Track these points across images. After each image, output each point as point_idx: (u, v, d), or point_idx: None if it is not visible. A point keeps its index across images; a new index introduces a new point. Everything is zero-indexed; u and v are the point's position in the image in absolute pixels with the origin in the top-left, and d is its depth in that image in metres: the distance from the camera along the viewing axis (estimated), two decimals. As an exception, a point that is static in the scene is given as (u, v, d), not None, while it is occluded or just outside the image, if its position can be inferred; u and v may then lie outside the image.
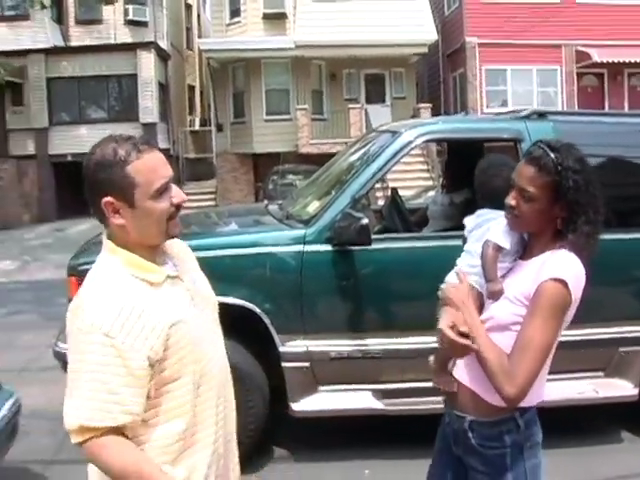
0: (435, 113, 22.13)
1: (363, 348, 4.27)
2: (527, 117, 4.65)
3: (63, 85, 21.99)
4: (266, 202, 6.71)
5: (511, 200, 2.13)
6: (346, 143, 20.25)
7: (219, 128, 23.09)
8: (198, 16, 31.26)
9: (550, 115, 4.74)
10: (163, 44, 23.08)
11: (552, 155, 2.10)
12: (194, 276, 2.00)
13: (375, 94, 23.35)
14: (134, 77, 21.92)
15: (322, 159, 19.00)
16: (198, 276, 2.04)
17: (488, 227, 2.32)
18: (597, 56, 21.83)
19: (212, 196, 22.86)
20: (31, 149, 21.76)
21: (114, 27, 22.61)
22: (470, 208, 2.63)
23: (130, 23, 22.66)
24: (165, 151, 22.49)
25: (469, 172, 4.75)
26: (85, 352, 1.72)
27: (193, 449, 1.86)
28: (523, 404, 2.12)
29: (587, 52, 22.13)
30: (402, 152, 4.49)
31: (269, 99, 22.33)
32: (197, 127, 28.42)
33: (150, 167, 1.80)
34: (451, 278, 2.36)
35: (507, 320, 2.12)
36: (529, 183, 2.09)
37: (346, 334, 4.30)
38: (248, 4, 22.06)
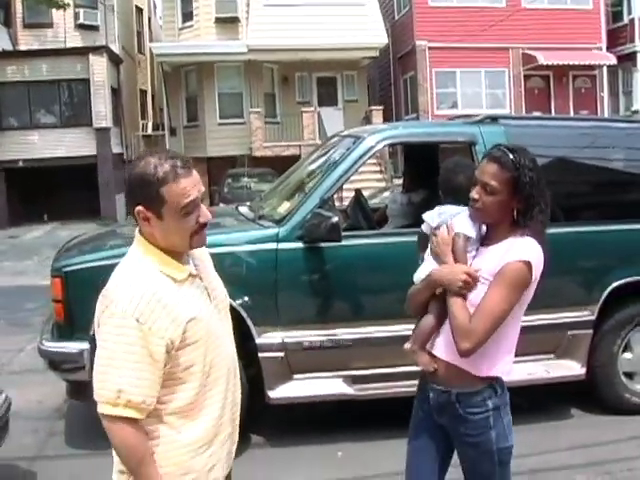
0: (386, 115, 22.58)
1: (334, 338, 4.57)
2: (480, 121, 5.02)
3: (12, 90, 21.62)
4: (222, 205, 6.95)
5: (475, 194, 2.47)
6: (300, 146, 20.60)
7: (172, 132, 23.15)
8: (149, 20, 31.13)
9: (502, 119, 5.12)
10: (115, 48, 22.95)
11: (511, 155, 2.45)
12: (211, 276, 2.21)
13: (327, 97, 23.72)
14: (86, 81, 21.68)
15: (276, 162, 19.47)
16: (214, 276, 2.24)
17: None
18: (543, 59, 22.56)
19: (166, 200, 22.86)
20: (-20, 155, 21.39)
21: (64, 31, 22.34)
22: (427, 206, 2.92)
23: (81, 27, 22.44)
24: (118, 155, 22.48)
25: (426, 173, 5.13)
26: (120, 334, 1.93)
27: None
28: (495, 374, 2.51)
29: (533, 55, 22.87)
30: (365, 156, 4.82)
31: (222, 103, 22.51)
32: (150, 131, 28.33)
33: (182, 190, 1.97)
34: (421, 274, 2.64)
35: (478, 298, 2.43)
36: (491, 178, 2.43)
37: (318, 325, 4.59)
38: (200, 8, 22.20)
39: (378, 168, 19.89)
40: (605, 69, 24.41)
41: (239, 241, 4.64)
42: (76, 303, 4.47)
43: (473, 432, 2.53)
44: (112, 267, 4.79)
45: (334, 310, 4.72)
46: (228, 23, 22.20)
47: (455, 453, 2.70)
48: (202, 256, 2.24)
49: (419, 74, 23.20)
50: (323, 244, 4.48)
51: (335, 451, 4.68)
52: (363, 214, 5.31)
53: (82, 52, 21.66)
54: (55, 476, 4.58)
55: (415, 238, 2.92)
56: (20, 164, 21.19)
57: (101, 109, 21.65)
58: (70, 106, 22.64)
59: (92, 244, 5.31)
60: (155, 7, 32.92)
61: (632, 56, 24.80)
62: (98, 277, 4.46)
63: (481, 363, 2.47)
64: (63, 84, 22.31)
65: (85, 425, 5.29)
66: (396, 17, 25.19)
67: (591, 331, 4.98)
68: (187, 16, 22.71)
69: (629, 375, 5.16)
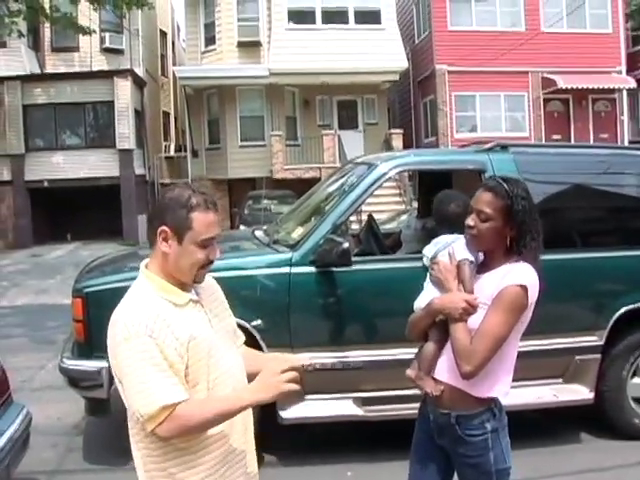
0: (406, 139, 22.70)
1: (345, 360, 4.69)
2: (490, 149, 5.13)
3: (39, 112, 22.05)
4: (242, 227, 7.09)
5: (470, 221, 2.60)
6: (320, 168, 20.78)
7: (194, 154, 23.42)
8: (173, 43, 31.61)
9: (511, 147, 5.23)
10: (139, 71, 23.33)
11: (505, 185, 2.59)
12: (214, 304, 2.34)
13: (348, 120, 23.83)
14: (110, 104, 22.06)
15: (296, 184, 19.63)
16: (220, 305, 2.38)
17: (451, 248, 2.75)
18: (562, 82, 22.55)
19: (188, 221, 23.05)
20: (7, 175, 21.70)
21: (90, 54, 22.76)
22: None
23: (106, 50, 22.86)
24: (141, 177, 22.79)
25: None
26: (138, 352, 2.06)
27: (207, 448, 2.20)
28: (495, 394, 2.62)
29: (553, 79, 22.87)
30: (377, 183, 4.97)
31: (244, 125, 22.72)
32: (172, 153, 28.67)
33: (207, 222, 2.17)
34: (421, 303, 2.77)
35: (478, 323, 2.55)
36: (486, 206, 2.57)
37: (330, 347, 4.71)
38: (223, 32, 22.52)
39: (397, 191, 20.00)
40: (625, 92, 24.35)
41: (254, 265, 4.79)
42: (96, 323, 4.61)
43: (472, 453, 2.62)
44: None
45: (345, 333, 4.85)
46: (250, 47, 22.51)
47: (455, 474, 2.80)
48: (210, 288, 2.38)
49: (439, 98, 23.34)
50: (335, 269, 4.61)
51: (345, 471, 4.77)
52: (375, 239, 5.44)
53: (107, 75, 22.07)
54: (73, 491, 4.74)
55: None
56: (45, 184, 21.55)
57: (124, 131, 22.00)
58: (94, 128, 23.04)
59: (113, 266, 5.49)
60: (179, 31, 33.41)
61: (652, 79, 24.83)
62: (118, 298, 4.67)
63: (481, 385, 2.57)
64: (88, 106, 22.71)
65: (103, 442, 5.45)
66: (416, 41, 25.40)
67: (599, 356, 5.04)
68: (210, 40, 23.06)
69: (638, 400, 5.21)
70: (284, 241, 5.06)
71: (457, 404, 2.62)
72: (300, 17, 22.32)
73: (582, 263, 5.03)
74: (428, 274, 2.79)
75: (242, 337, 2.52)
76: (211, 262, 2.23)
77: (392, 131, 22.65)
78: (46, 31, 22.59)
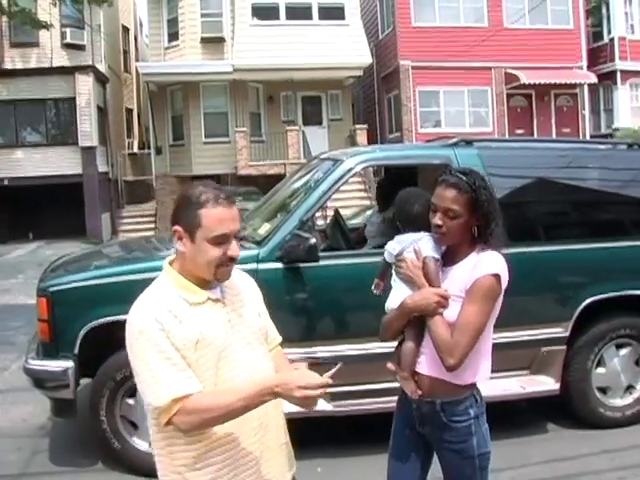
0: (371, 134, 22.79)
1: (314, 355, 4.67)
2: (455, 144, 5.17)
3: (-2, 108, 21.79)
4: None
5: (438, 220, 2.61)
6: (284, 164, 20.77)
7: (158, 151, 23.24)
8: (135, 39, 31.25)
9: (476, 142, 5.28)
10: (101, 67, 23.02)
11: (465, 178, 2.62)
12: (240, 304, 2.29)
13: (312, 116, 23.86)
14: (72, 100, 21.74)
15: (261, 180, 19.63)
16: (246, 304, 2.32)
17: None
18: (525, 78, 22.87)
19: (152, 219, 22.90)
20: (-34, 173, 21.36)
21: (51, 50, 22.39)
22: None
23: (67, 46, 22.44)
24: (104, 174, 22.51)
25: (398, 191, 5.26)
26: (152, 345, 2.07)
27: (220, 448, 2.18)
28: (476, 379, 2.68)
29: (515, 74, 23.16)
30: (343, 178, 4.95)
31: (208, 122, 22.64)
32: (136, 150, 28.40)
33: (218, 218, 2.12)
34: (392, 303, 2.77)
35: (454, 316, 2.59)
36: (453, 203, 2.59)
37: (298, 343, 4.68)
38: (186, 28, 22.37)
39: (362, 187, 20.06)
40: (586, 87, 24.77)
41: (220, 261, 4.75)
42: (61, 322, 4.57)
43: (456, 439, 2.67)
44: (97, 287, 4.90)
45: (313, 329, 4.83)
46: (214, 43, 22.39)
47: (434, 463, 2.84)
48: (236, 285, 2.33)
49: (403, 93, 23.46)
50: (302, 264, 4.60)
51: (315, 466, 4.77)
52: (341, 234, 5.44)
53: (68, 71, 21.72)
54: (39, 493, 4.66)
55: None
56: (5, 182, 21.18)
57: (87, 128, 21.72)
58: (56, 125, 22.71)
59: (78, 264, 5.41)
60: (141, 26, 33.05)
61: (612, 74, 25.24)
62: (83, 297, 4.64)
63: (464, 373, 2.63)
64: (49, 103, 22.40)
65: (69, 443, 5.38)
66: (380, 37, 25.50)
67: (565, 347, 5.11)
68: (173, 36, 22.87)
69: (603, 390, 5.30)
70: (250, 237, 5.02)
71: (441, 392, 2.67)
72: (264, 13, 22.31)
73: (547, 256, 5.09)
74: (394, 272, 2.80)
75: (277, 339, 2.49)
76: (232, 259, 2.17)
77: (356, 127, 22.73)
78: (4, 26, 22.14)
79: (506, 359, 4.89)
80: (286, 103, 23.49)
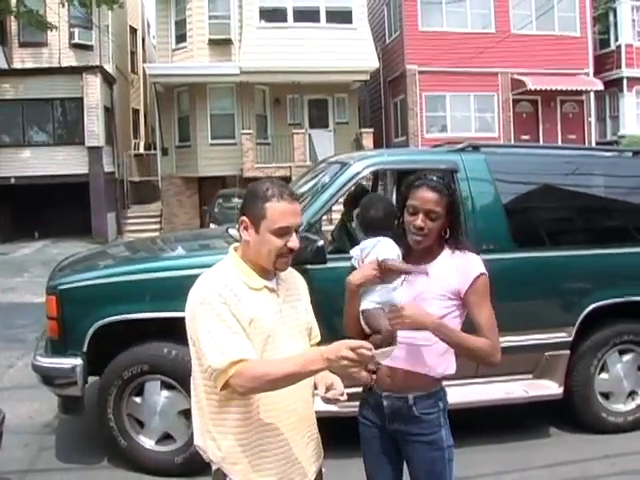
0: (376, 138, 22.81)
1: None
2: (462, 150, 5.21)
3: (6, 107, 21.62)
4: (213, 226, 7.09)
5: (420, 222, 2.69)
6: (290, 167, 20.80)
7: (164, 152, 23.26)
8: (143, 40, 31.35)
9: (483, 148, 5.32)
10: (108, 68, 23.07)
11: (441, 180, 2.74)
12: (293, 297, 2.51)
13: (318, 119, 23.88)
14: (79, 100, 21.73)
15: (267, 182, 19.54)
16: (298, 299, 2.56)
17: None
18: (531, 84, 22.85)
19: (157, 219, 22.97)
20: (-27, 172, 21.39)
21: (59, 50, 22.48)
22: None
23: (75, 46, 22.55)
24: (110, 175, 22.58)
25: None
26: (214, 315, 2.27)
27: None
28: (449, 372, 2.79)
29: (522, 80, 23.16)
30: (351, 182, 5.00)
31: (214, 123, 22.63)
32: (142, 151, 28.48)
33: (281, 211, 2.32)
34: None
35: (440, 314, 2.68)
36: (436, 205, 2.69)
37: (304, 344, 4.74)
38: (194, 30, 22.40)
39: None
40: (592, 94, 24.76)
41: (228, 263, 4.80)
42: (70, 320, 4.63)
43: (427, 431, 2.74)
44: (106, 286, 4.96)
45: (319, 329, 4.86)
46: (221, 45, 22.43)
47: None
48: (290, 279, 2.56)
49: (409, 98, 23.48)
50: (309, 266, 4.63)
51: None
52: (349, 237, 5.48)
53: (76, 71, 21.75)
54: (46, 490, 4.70)
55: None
56: (12, 181, 21.19)
57: (94, 128, 21.74)
58: (63, 124, 22.73)
59: (86, 263, 5.48)
60: (149, 27, 33.15)
61: (619, 81, 25.24)
62: (92, 296, 4.70)
63: (439, 366, 2.74)
64: (56, 103, 22.39)
65: (76, 440, 5.42)
66: (387, 41, 25.53)
67: (568, 352, 5.16)
68: (181, 37, 22.91)
69: (605, 395, 5.35)
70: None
71: (416, 386, 2.74)
72: (271, 15, 22.33)
73: (552, 261, 5.13)
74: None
75: (318, 336, 2.67)
76: (291, 251, 2.37)
77: (362, 130, 22.75)
78: (13, 26, 22.24)
79: (510, 363, 4.92)
80: (292, 106, 23.48)
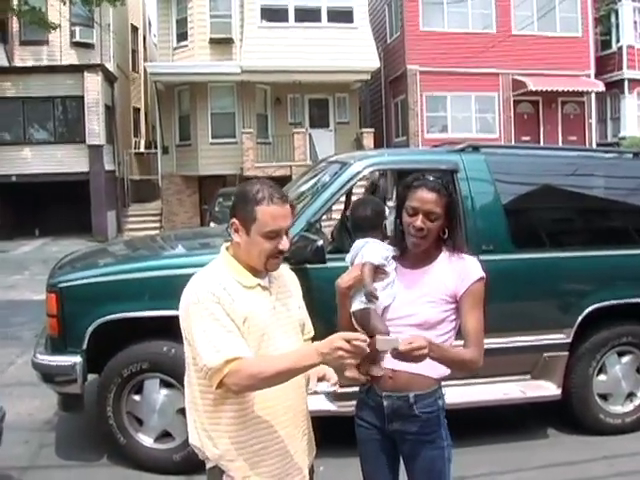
0: (377, 138, 22.81)
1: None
2: (462, 150, 5.22)
3: (7, 105, 21.61)
4: (213, 224, 7.10)
5: (420, 223, 2.66)
6: (290, 166, 20.79)
7: (165, 150, 23.27)
8: (144, 39, 31.33)
9: (483, 148, 5.33)
10: (109, 66, 23.05)
11: (439, 181, 2.73)
12: (285, 295, 2.53)
13: (319, 119, 23.88)
14: (80, 99, 21.71)
15: (268, 182, 19.53)
16: (290, 296, 2.57)
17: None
18: (532, 85, 22.83)
19: (157, 218, 22.97)
20: (-27, 169, 21.37)
21: (60, 48, 22.46)
22: None
23: (76, 45, 22.53)
24: (110, 173, 22.57)
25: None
26: (208, 314, 2.28)
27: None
28: (449, 372, 2.76)
29: (523, 81, 23.14)
30: (351, 181, 5.02)
31: (215, 122, 22.62)
32: (142, 149, 28.48)
33: (272, 214, 2.34)
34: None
35: (438, 317, 2.68)
36: (435, 206, 2.67)
37: (303, 343, 4.75)
38: (195, 29, 22.40)
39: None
40: (593, 96, 24.77)
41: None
42: (70, 318, 4.64)
43: (427, 430, 2.74)
44: (106, 284, 4.96)
45: (317, 329, 4.87)
46: (222, 44, 22.43)
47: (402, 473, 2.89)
48: (287, 281, 2.59)
49: (410, 98, 23.47)
50: (309, 266, 4.65)
51: (317, 466, 4.80)
52: (348, 237, 5.48)
53: (77, 69, 21.73)
54: (46, 486, 4.71)
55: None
56: (13, 179, 21.19)
57: (94, 126, 21.73)
58: (64, 123, 22.72)
59: (87, 261, 5.49)
60: (150, 26, 33.13)
61: (620, 83, 25.26)
62: (93, 294, 4.71)
63: (440, 366, 2.70)
64: (57, 101, 22.38)
65: (75, 437, 5.44)
66: (388, 41, 25.52)
67: (567, 353, 5.16)
68: (182, 36, 22.91)
69: (603, 397, 5.35)
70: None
71: (417, 386, 2.73)
72: (273, 15, 22.32)
73: (551, 262, 5.14)
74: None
75: (311, 332, 2.71)
76: (281, 252, 2.40)
77: (363, 130, 22.76)
78: (14, 24, 22.23)
79: (508, 363, 4.96)
80: (293, 105, 23.50)
